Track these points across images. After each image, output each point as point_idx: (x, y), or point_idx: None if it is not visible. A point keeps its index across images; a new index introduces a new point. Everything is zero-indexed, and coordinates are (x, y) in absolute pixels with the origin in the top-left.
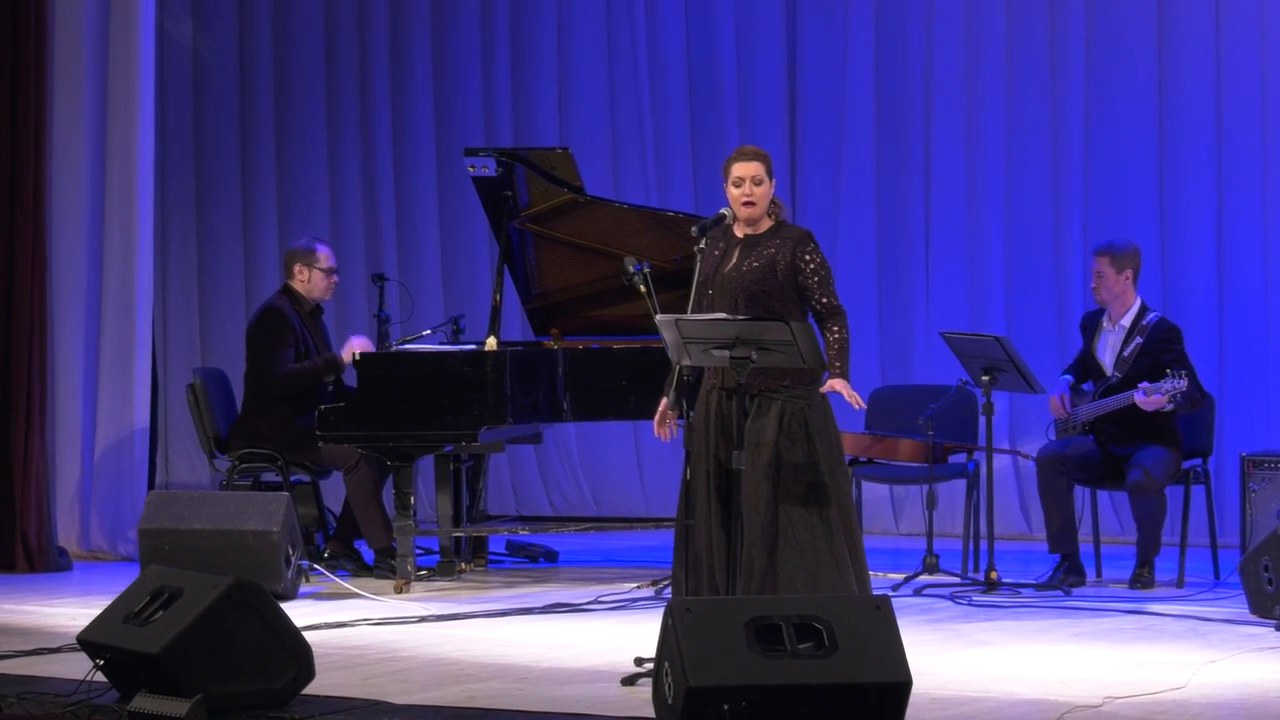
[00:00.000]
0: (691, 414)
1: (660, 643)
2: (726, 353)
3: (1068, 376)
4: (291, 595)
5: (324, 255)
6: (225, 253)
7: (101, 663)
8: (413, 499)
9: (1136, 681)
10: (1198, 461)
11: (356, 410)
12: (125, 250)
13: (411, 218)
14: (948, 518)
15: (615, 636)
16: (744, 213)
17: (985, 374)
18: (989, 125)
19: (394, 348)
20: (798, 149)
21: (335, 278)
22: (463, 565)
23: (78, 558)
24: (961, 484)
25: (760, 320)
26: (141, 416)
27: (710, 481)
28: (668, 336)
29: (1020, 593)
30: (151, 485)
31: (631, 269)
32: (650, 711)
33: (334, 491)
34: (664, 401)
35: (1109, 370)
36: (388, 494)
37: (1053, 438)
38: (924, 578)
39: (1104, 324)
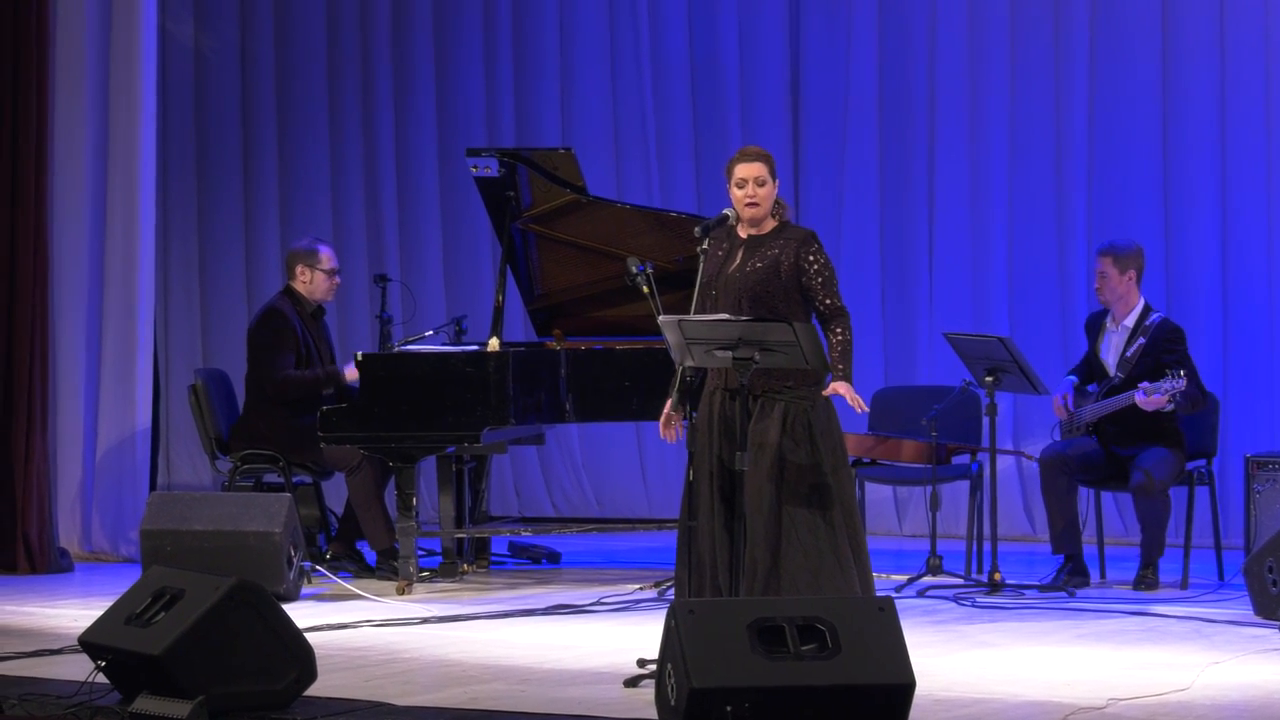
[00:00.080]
0: (695, 415)
1: (663, 644)
2: (729, 354)
3: (1072, 377)
4: (293, 596)
5: (326, 256)
6: (227, 253)
7: (103, 664)
8: (415, 500)
9: (1140, 683)
10: (1202, 462)
11: (359, 411)
12: (127, 250)
13: (414, 218)
14: (951, 519)
15: (618, 638)
16: (747, 214)
17: (989, 375)
18: (992, 125)
19: (396, 348)
20: (801, 149)
21: (337, 279)
22: (465, 566)
23: (79, 559)
24: (965, 485)
25: (763, 321)
26: (143, 417)
27: (713, 482)
28: (670, 337)
29: (1024, 594)
30: (153, 486)
31: (634, 269)
32: (653, 713)
33: (336, 492)
34: (669, 403)
35: (1112, 371)
36: (390, 495)
37: (1058, 438)
38: (927, 579)
39: (1108, 324)
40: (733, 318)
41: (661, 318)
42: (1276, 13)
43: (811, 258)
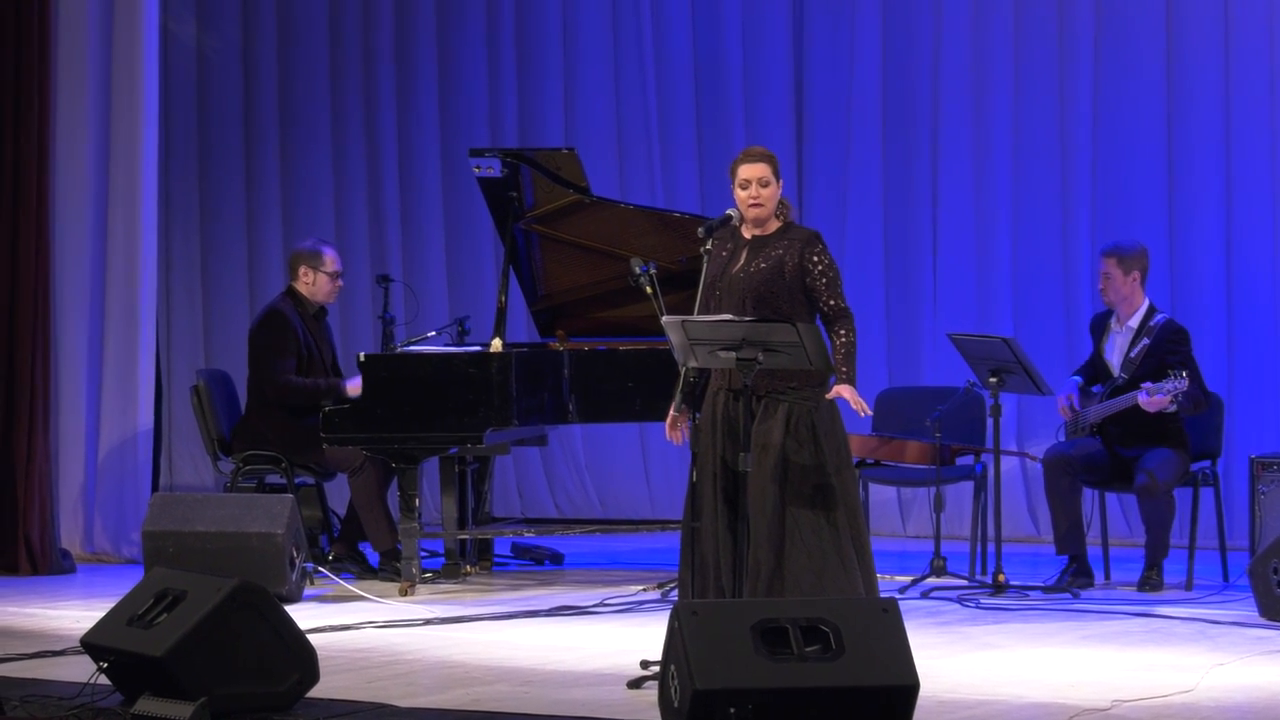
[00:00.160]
0: (698, 416)
1: (666, 645)
2: (732, 354)
3: (1077, 378)
4: (296, 598)
5: (330, 259)
6: (229, 253)
7: (105, 665)
8: (417, 501)
9: (1145, 684)
10: (1206, 463)
11: (361, 412)
12: (129, 251)
13: (416, 218)
14: (955, 520)
15: (621, 639)
16: (751, 214)
17: (993, 375)
18: (996, 126)
19: (399, 349)
20: (804, 149)
21: (340, 282)
22: (468, 568)
23: (81, 560)
24: (969, 486)
25: (766, 322)
26: (145, 418)
27: (717, 483)
28: (674, 338)
29: (1028, 595)
30: (155, 487)
31: (637, 270)
32: (656, 715)
33: (338, 494)
34: (674, 405)
35: (1116, 372)
36: (392, 496)
37: (1063, 439)
38: (931, 580)
39: (1112, 325)
40: (736, 318)
41: (665, 318)
42: None
43: (816, 258)
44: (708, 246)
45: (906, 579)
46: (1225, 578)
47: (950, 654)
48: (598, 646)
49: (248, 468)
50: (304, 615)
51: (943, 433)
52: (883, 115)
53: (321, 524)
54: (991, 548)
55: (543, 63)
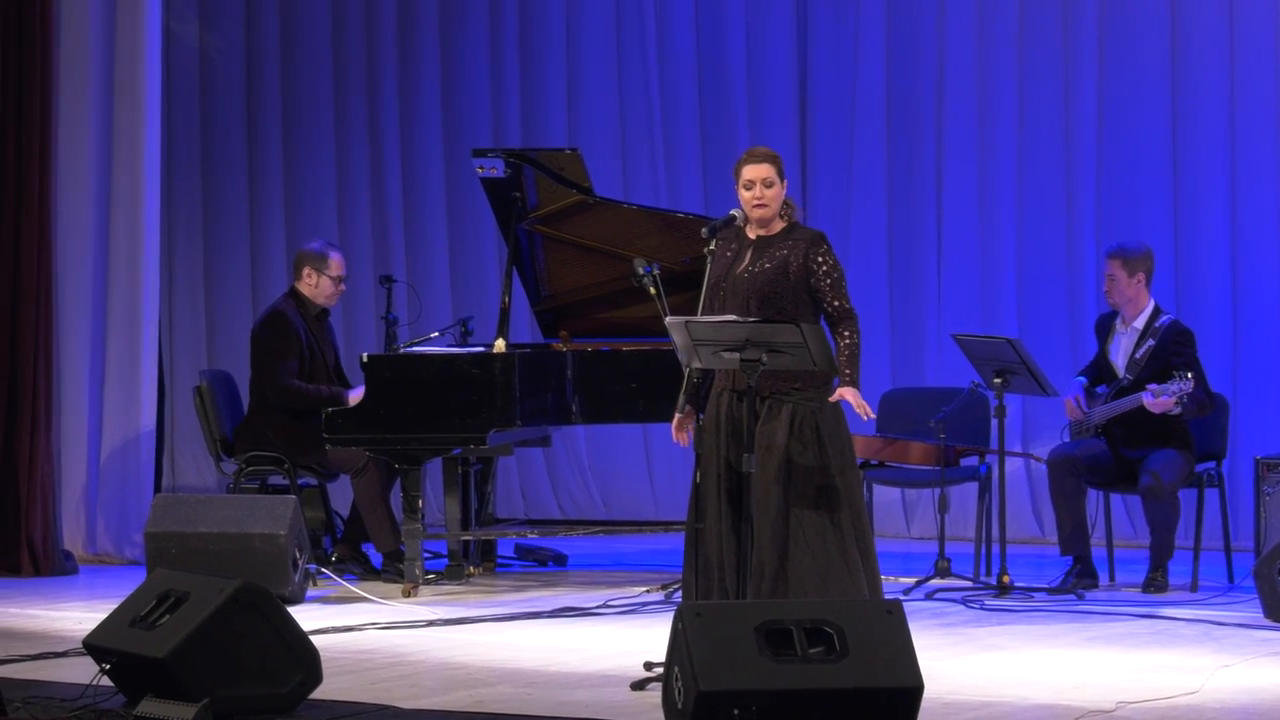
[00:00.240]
0: (702, 416)
1: (670, 647)
2: (736, 355)
3: (1081, 379)
4: (298, 599)
5: (336, 263)
6: (232, 254)
7: (107, 667)
8: (421, 502)
9: (1150, 686)
10: (1211, 464)
11: (364, 413)
12: (131, 251)
13: (420, 219)
14: (959, 521)
15: (625, 641)
16: (756, 215)
17: (997, 376)
18: (1001, 126)
19: (402, 350)
20: (808, 150)
21: (343, 286)
22: (471, 569)
23: (83, 561)
24: (973, 487)
25: (770, 322)
26: (148, 419)
27: (720, 484)
28: (677, 339)
29: (1033, 596)
30: (158, 488)
31: (641, 270)
32: (660, 716)
33: (341, 495)
34: (680, 406)
35: (1121, 373)
36: (395, 497)
37: (1067, 439)
38: (936, 581)
39: (1117, 326)
40: (740, 319)
41: (668, 319)
42: None
43: (820, 259)
44: (711, 247)
45: (911, 580)
46: (1230, 579)
47: (955, 655)
48: (601, 648)
49: (250, 469)
50: (307, 616)
51: (947, 434)
52: (887, 115)
53: (324, 525)
54: (996, 549)
55: (546, 62)
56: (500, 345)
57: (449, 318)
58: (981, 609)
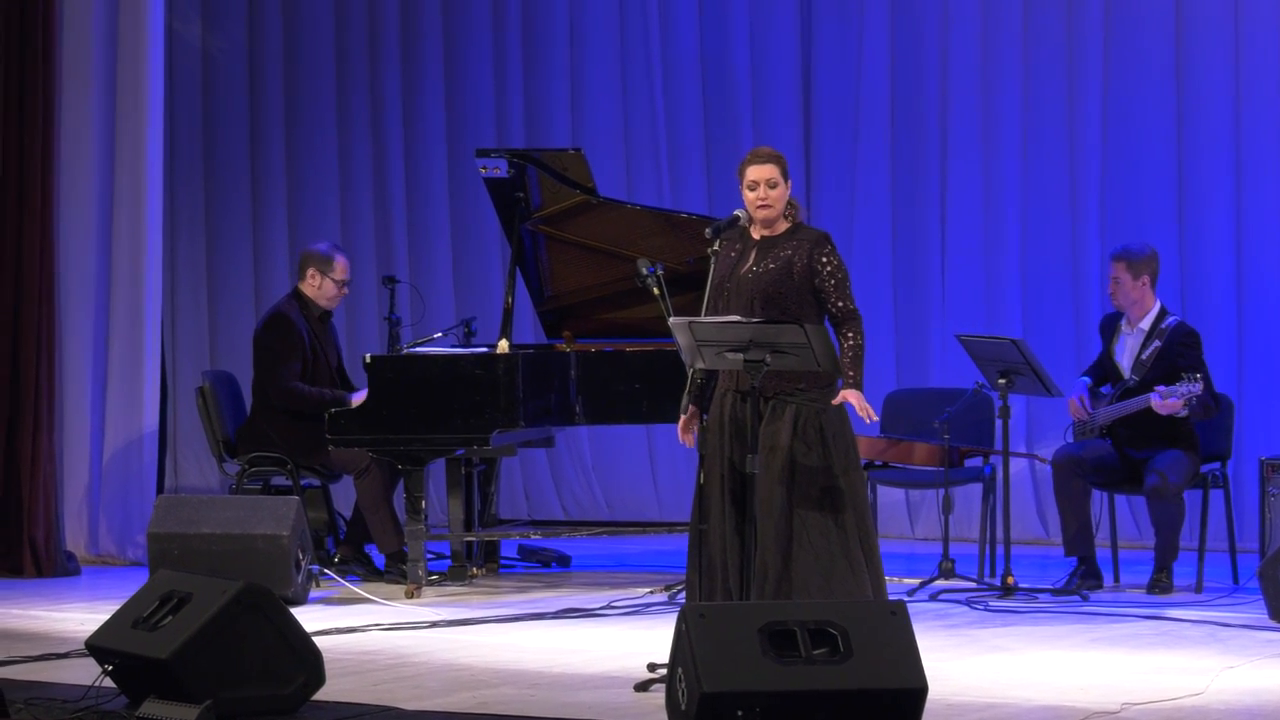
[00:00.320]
0: (706, 417)
1: (674, 648)
2: (740, 356)
3: (1085, 379)
4: (301, 600)
5: (340, 266)
6: (235, 254)
7: (110, 668)
8: (424, 503)
9: (1155, 687)
10: (1216, 465)
11: (367, 413)
12: (134, 252)
13: (423, 219)
14: (964, 522)
15: (628, 642)
16: (760, 215)
17: (1001, 377)
18: (1005, 126)
19: (405, 350)
20: (812, 150)
21: (346, 290)
22: (474, 570)
23: (86, 562)
24: (978, 488)
25: (774, 323)
26: (150, 420)
27: (724, 485)
28: (681, 339)
29: (1037, 597)
30: (160, 489)
31: (645, 271)
32: (664, 717)
33: (344, 495)
34: (684, 406)
35: (1127, 373)
36: (398, 498)
37: (1071, 440)
38: (940, 582)
39: (1122, 327)
40: (744, 319)
41: (672, 319)
42: None
43: (825, 259)
44: (715, 247)
45: (915, 581)
46: (1235, 580)
47: (959, 656)
48: (605, 649)
49: (253, 469)
50: (309, 617)
51: (951, 434)
52: (891, 116)
53: (327, 526)
54: (1000, 550)
55: (549, 63)
56: (504, 346)
57: (452, 318)
58: (986, 610)
